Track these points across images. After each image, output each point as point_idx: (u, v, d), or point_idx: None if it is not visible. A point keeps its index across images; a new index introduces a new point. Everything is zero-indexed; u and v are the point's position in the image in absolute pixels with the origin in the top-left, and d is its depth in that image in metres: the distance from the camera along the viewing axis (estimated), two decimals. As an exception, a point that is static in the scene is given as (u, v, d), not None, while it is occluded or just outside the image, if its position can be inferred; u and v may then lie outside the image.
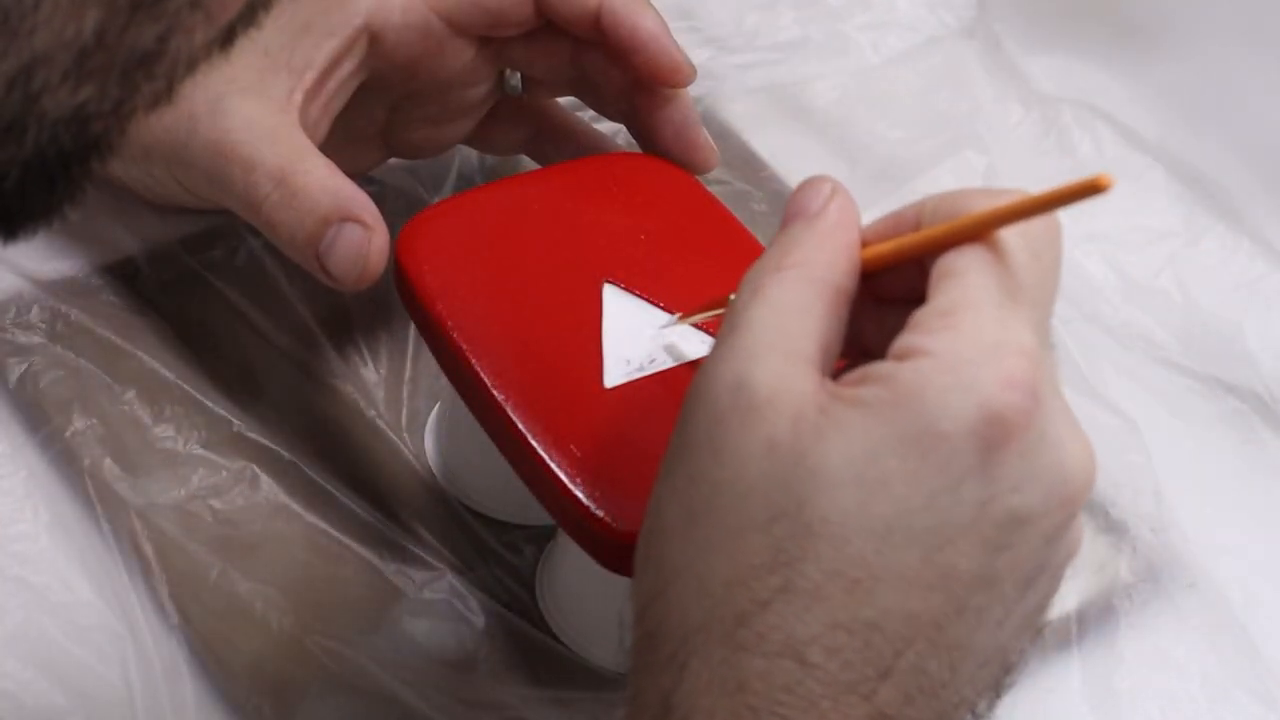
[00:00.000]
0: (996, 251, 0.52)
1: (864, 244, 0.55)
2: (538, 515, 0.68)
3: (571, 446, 0.63)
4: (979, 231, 0.52)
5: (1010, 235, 0.52)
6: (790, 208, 0.56)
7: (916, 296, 0.53)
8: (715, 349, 0.53)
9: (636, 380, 0.66)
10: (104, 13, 0.38)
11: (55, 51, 0.38)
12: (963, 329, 0.51)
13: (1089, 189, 0.50)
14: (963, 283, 0.52)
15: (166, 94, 0.42)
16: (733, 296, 0.54)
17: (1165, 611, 0.76)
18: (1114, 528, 0.78)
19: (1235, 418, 0.84)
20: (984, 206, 0.52)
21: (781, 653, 0.50)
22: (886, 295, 0.56)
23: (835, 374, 0.53)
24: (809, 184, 0.56)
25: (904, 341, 0.52)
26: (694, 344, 0.67)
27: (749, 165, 0.90)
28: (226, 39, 0.43)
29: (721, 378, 0.52)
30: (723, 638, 0.50)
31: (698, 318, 0.67)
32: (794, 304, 0.53)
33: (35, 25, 0.38)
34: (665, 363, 0.67)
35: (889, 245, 0.55)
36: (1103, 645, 0.74)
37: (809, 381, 0.51)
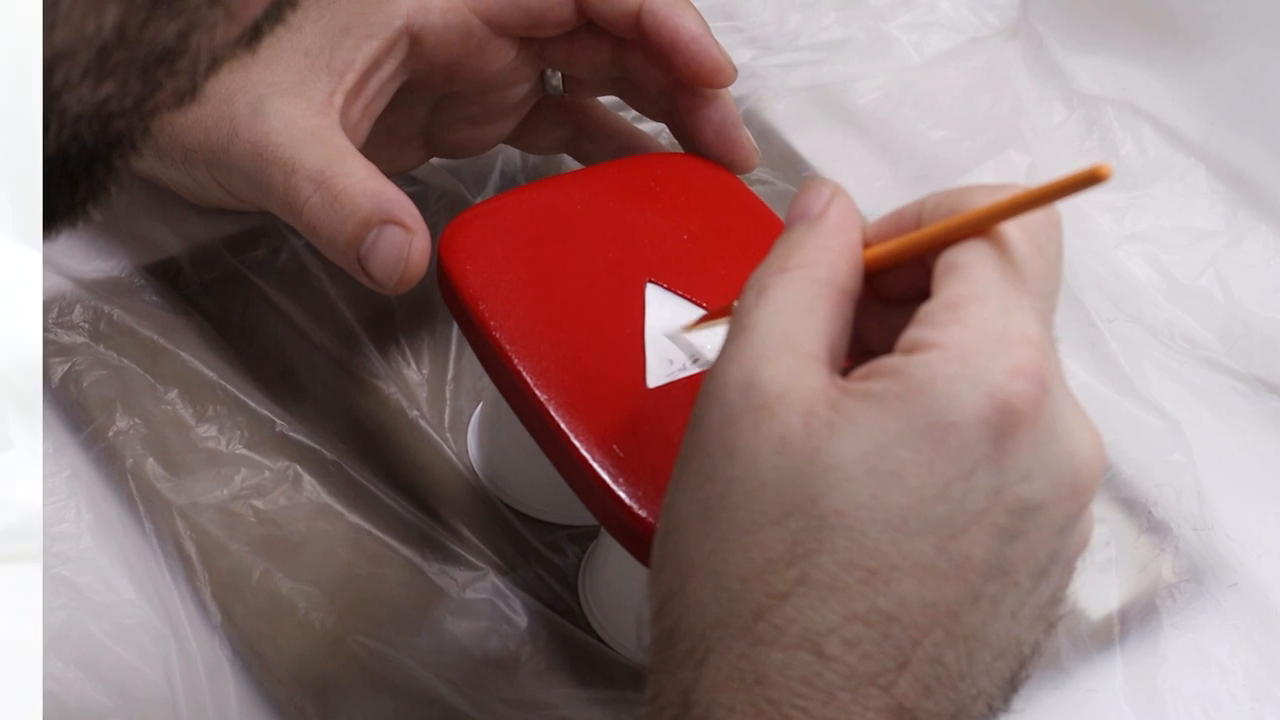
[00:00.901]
0: (999, 245, 0.52)
1: (866, 244, 0.56)
2: (580, 515, 0.69)
3: (614, 446, 0.63)
4: (980, 226, 0.53)
5: (1011, 229, 0.53)
6: (792, 211, 0.56)
7: (920, 296, 0.53)
8: (724, 351, 0.54)
9: (679, 380, 0.66)
10: (124, 9, 0.38)
11: (76, 47, 0.38)
12: (969, 321, 0.51)
13: (1088, 180, 0.50)
14: (967, 276, 0.52)
15: (190, 92, 0.42)
16: (736, 303, 0.54)
17: (1208, 611, 0.76)
18: (1156, 528, 0.78)
19: (1278, 417, 0.84)
20: (983, 202, 0.53)
21: (799, 645, 0.50)
22: (890, 295, 0.56)
23: (842, 374, 0.53)
24: (809, 187, 0.57)
25: (911, 335, 0.52)
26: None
27: (792, 165, 0.90)
28: (253, 37, 0.42)
29: (732, 378, 0.52)
30: (740, 632, 0.50)
31: (704, 328, 0.67)
32: (799, 304, 0.53)
33: (55, 21, 0.38)
34: (708, 363, 0.67)
35: (891, 244, 0.55)
36: (1145, 645, 0.74)
37: (818, 378, 0.52)
